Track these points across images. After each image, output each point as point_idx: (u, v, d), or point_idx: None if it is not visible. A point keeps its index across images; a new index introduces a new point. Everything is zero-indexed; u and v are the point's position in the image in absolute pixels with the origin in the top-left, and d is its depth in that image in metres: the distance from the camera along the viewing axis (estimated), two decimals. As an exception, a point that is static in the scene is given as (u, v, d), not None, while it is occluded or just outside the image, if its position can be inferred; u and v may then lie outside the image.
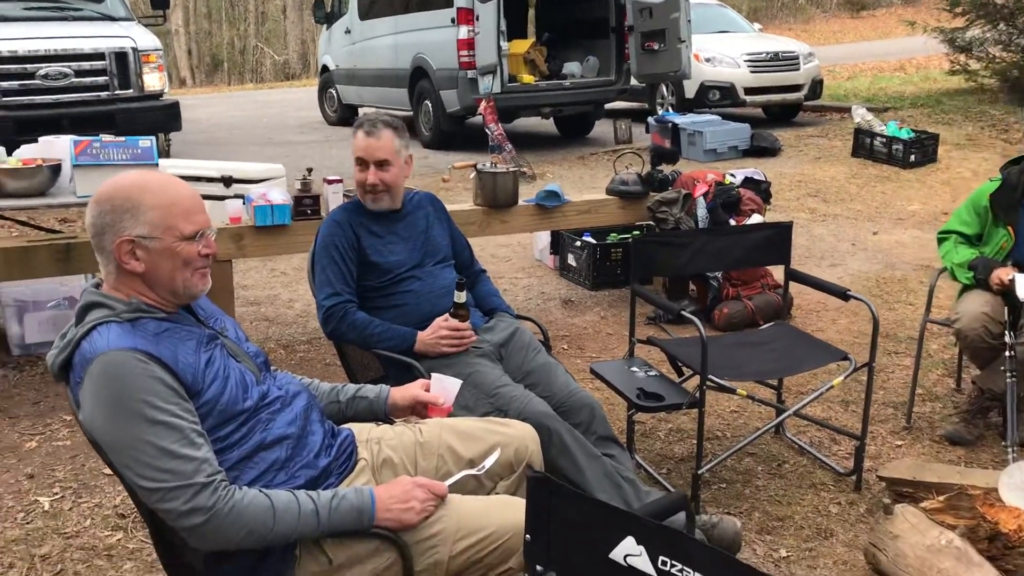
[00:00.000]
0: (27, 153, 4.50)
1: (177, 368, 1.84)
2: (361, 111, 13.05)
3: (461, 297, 2.87)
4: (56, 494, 3.22)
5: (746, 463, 3.46)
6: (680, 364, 3.32)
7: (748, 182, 5.23)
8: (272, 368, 2.22)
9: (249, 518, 1.81)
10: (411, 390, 2.37)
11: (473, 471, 2.11)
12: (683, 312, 3.12)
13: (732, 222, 4.92)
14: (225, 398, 1.92)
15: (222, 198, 5.43)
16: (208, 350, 1.94)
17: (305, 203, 4.41)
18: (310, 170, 4.56)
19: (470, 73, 9.50)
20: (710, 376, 3.02)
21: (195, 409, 1.86)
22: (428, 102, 10.56)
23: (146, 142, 4.28)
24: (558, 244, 5.90)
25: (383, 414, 2.36)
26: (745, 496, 3.23)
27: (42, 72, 8.08)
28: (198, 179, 6.04)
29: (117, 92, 8.45)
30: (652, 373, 3.23)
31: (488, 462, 2.09)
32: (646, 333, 4.67)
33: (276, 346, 4.66)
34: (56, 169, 4.27)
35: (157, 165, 4.30)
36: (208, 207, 4.63)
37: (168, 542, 1.96)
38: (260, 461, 1.95)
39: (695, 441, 3.45)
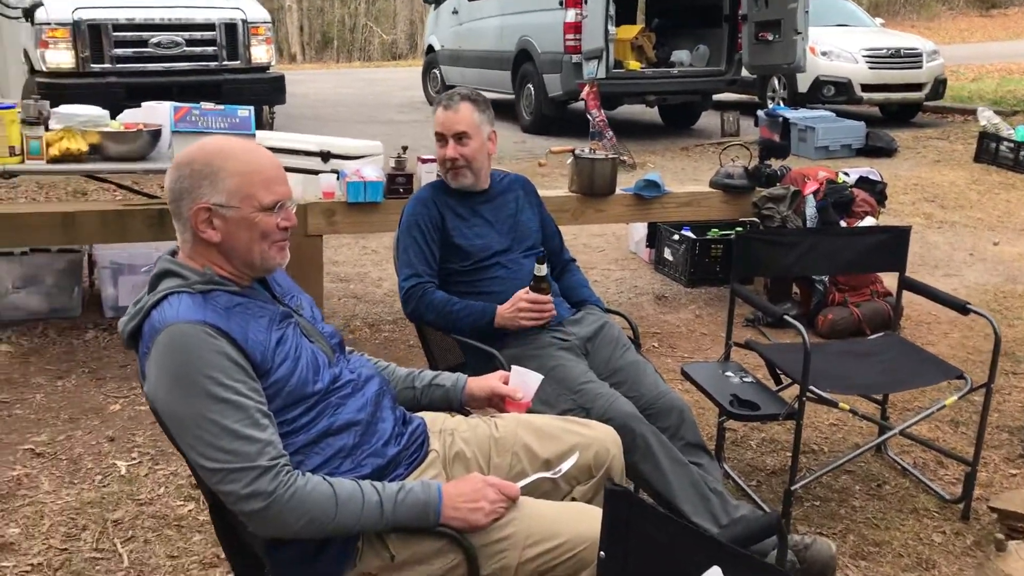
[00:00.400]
0: (130, 118, 4.54)
1: (246, 345, 1.76)
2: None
3: (541, 270, 2.71)
4: (134, 459, 3.22)
5: (843, 481, 3.24)
6: (779, 372, 3.12)
7: (862, 182, 4.94)
8: (348, 350, 2.13)
9: (310, 506, 1.72)
10: (489, 381, 2.25)
11: (548, 474, 1.98)
12: (785, 316, 2.92)
13: (843, 223, 4.65)
14: (295, 379, 1.83)
15: (318, 172, 5.42)
16: (280, 328, 1.86)
17: (398, 181, 4.33)
18: (405, 148, 4.49)
19: (575, 57, 9.32)
20: (811, 387, 2.81)
21: (262, 389, 1.78)
22: (530, 86, 10.43)
23: (244, 112, 4.26)
24: (655, 237, 5.70)
25: (458, 404, 2.25)
26: (840, 516, 3.02)
27: (155, 40, 8.24)
28: (297, 152, 6.06)
29: (225, 63, 8.57)
30: (748, 379, 3.04)
31: (565, 466, 1.96)
32: (744, 336, 4.46)
33: (362, 324, 4.61)
34: (156, 134, 4.28)
35: (254, 135, 4.28)
36: (303, 181, 4.61)
37: (228, 523, 1.89)
38: (326, 447, 1.86)
39: (789, 454, 3.25)
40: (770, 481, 3.24)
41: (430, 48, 13.68)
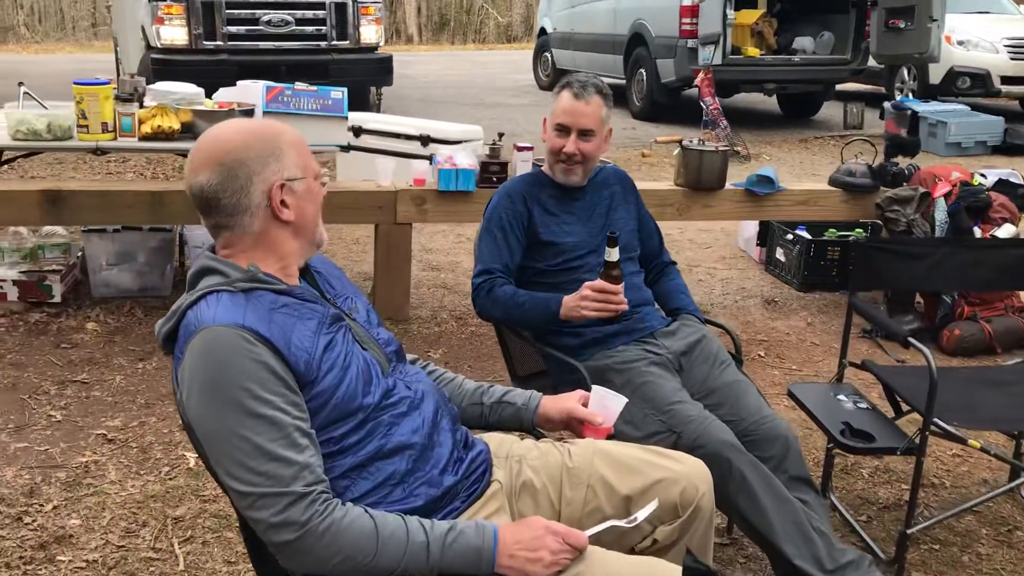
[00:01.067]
0: (224, 96, 4.46)
1: (288, 352, 1.56)
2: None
3: (613, 254, 2.35)
4: (203, 451, 3.10)
5: (967, 522, 2.88)
6: (899, 399, 2.78)
7: (1001, 185, 4.48)
8: (410, 358, 1.92)
9: (347, 542, 1.52)
10: (566, 402, 2.01)
11: (622, 523, 1.72)
12: (910, 340, 2.59)
13: (977, 231, 4.21)
14: (342, 390, 1.63)
15: (418, 157, 5.26)
16: (329, 332, 1.66)
17: (492, 169, 4.13)
18: (501, 135, 4.28)
19: (690, 42, 8.94)
20: (935, 420, 2.48)
21: (305, 403, 1.59)
22: (643, 71, 10.08)
23: (337, 93, 4.12)
24: (766, 235, 5.34)
25: (530, 424, 2.02)
26: (963, 564, 2.67)
27: (266, 18, 8.25)
28: (397, 136, 5.93)
29: (334, 43, 8.54)
30: (863, 405, 2.73)
31: (641, 514, 1.70)
32: (859, 350, 4.09)
33: (449, 317, 4.42)
34: (249, 114, 4.17)
35: (347, 118, 4.14)
36: (395, 165, 4.43)
37: (261, 551, 1.71)
38: (376, 472, 1.65)
39: (906, 486, 2.95)
40: (882, 517, 2.91)
41: (542, 31, 13.44)
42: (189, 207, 4.24)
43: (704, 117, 8.21)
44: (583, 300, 2.40)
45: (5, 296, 4.22)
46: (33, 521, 2.68)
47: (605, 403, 1.99)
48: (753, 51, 9.54)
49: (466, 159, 4.15)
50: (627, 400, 2.01)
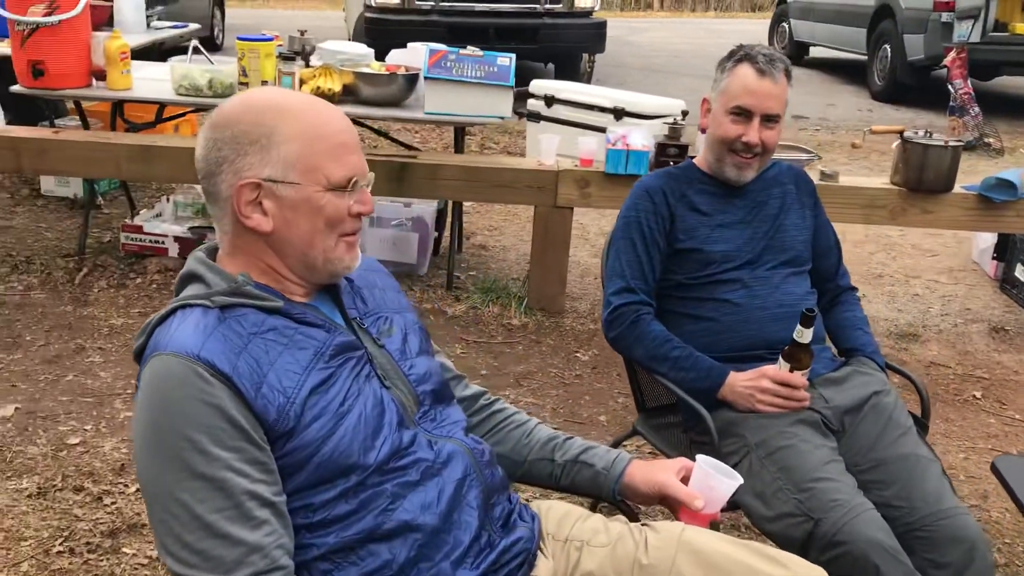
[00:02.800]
0: (394, 59, 4.21)
1: (256, 395, 1.21)
2: (811, 51, 11.73)
3: (805, 335, 1.92)
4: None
5: None
6: None
7: None
8: (451, 399, 1.50)
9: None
10: (659, 474, 1.55)
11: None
12: None
13: None
14: (331, 445, 1.26)
15: (603, 130, 4.81)
16: (328, 367, 1.29)
17: (669, 152, 3.62)
18: (685, 113, 3.77)
19: (945, 16, 7.85)
20: None
21: (277, 460, 1.23)
22: (887, 46, 9.01)
23: (504, 60, 3.74)
24: (1005, 248, 4.48)
25: (610, 494, 1.58)
26: None
27: (482, -20, 8.03)
28: (589, 107, 5.50)
29: (547, 6, 8.18)
30: (1095, 497, 2.05)
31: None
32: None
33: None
34: (412, 79, 3.90)
35: (512, 88, 3.75)
36: (576, 140, 3.95)
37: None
38: (367, 558, 1.28)
39: None
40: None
41: (782, -1, 12.46)
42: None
43: (951, 102, 7.17)
44: (760, 393, 1.99)
45: (166, 251, 4.21)
46: (112, 503, 2.53)
47: (710, 483, 1.51)
48: (1022, 28, 8.26)
49: (641, 139, 3.66)
50: (741, 482, 1.52)
